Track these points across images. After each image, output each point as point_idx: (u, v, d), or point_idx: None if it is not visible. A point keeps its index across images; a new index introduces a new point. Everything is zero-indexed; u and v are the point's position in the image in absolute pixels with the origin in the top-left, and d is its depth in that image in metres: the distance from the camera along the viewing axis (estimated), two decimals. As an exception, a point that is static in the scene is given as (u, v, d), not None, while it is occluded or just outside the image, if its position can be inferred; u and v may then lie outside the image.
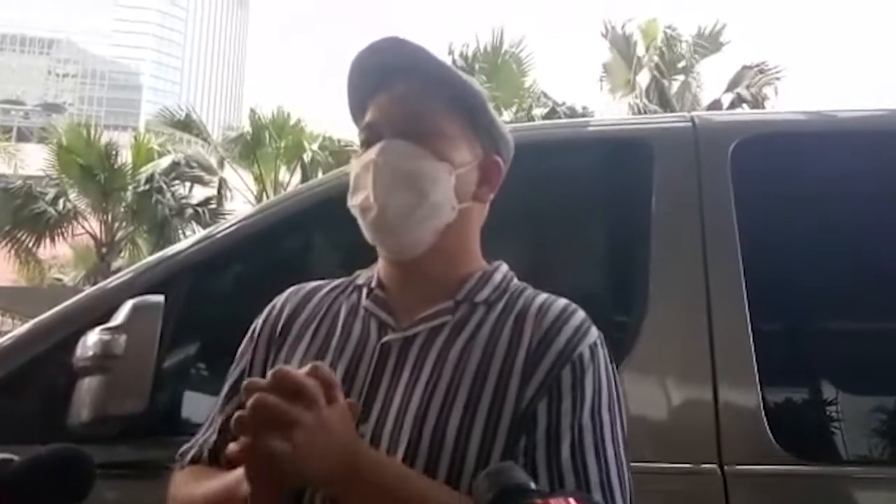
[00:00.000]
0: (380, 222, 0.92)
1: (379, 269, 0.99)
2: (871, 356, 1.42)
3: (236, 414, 0.72)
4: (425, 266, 0.94)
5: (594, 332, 0.90)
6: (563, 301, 0.93)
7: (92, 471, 0.89)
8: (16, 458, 0.88)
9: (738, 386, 1.32)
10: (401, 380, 0.88)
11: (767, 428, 1.28)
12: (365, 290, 0.98)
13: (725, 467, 1.26)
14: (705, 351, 1.33)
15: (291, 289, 1.04)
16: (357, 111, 0.99)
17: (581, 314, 0.91)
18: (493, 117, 1.00)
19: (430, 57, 0.95)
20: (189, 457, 0.98)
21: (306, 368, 0.75)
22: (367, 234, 0.94)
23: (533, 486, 0.67)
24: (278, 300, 1.03)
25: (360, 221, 0.94)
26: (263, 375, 0.95)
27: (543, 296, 0.94)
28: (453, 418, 0.84)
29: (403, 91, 0.94)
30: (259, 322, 1.02)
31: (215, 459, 0.93)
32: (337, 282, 1.04)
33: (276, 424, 0.70)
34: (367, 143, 0.95)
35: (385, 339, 0.91)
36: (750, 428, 1.29)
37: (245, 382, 0.74)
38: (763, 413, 1.29)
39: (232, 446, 0.73)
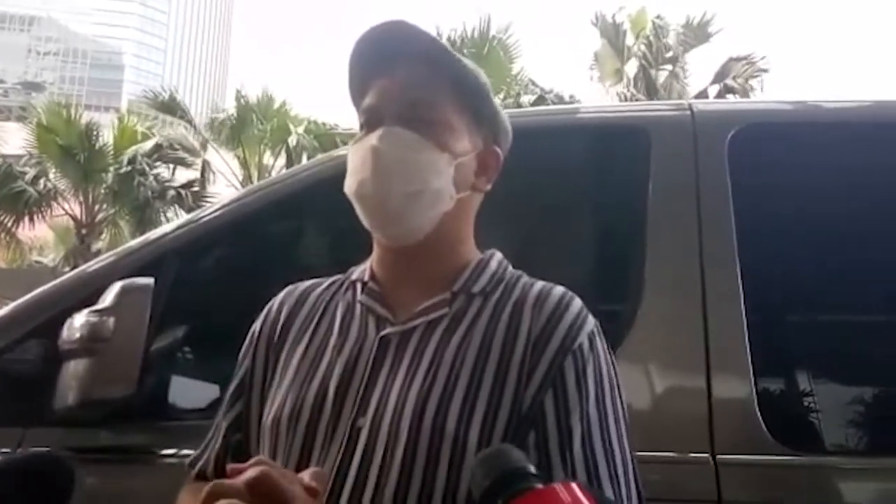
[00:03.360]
0: (378, 209, 0.90)
1: (372, 260, 0.98)
2: (865, 348, 1.42)
3: None
4: (421, 255, 0.93)
5: (591, 321, 0.89)
6: (559, 289, 0.92)
7: (71, 478, 0.86)
8: None
9: (731, 376, 1.32)
10: (398, 373, 0.86)
11: (760, 418, 1.28)
12: (359, 285, 0.96)
13: (718, 457, 1.26)
14: (699, 340, 1.33)
15: (287, 289, 1.02)
16: (357, 92, 0.96)
17: (577, 303, 0.90)
18: (495, 108, 0.98)
19: (435, 42, 0.93)
20: (196, 468, 0.96)
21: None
22: (364, 220, 0.92)
23: (532, 468, 0.64)
24: (274, 302, 1.01)
25: (356, 206, 0.92)
26: (265, 380, 0.95)
27: (540, 284, 0.93)
28: (453, 408, 0.82)
29: (408, 76, 0.92)
30: (257, 325, 1.00)
31: (222, 470, 0.90)
32: (332, 279, 1.02)
33: None
34: (367, 126, 0.93)
35: (383, 333, 0.89)
36: (743, 418, 1.29)
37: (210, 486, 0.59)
38: (756, 403, 1.29)
39: None
